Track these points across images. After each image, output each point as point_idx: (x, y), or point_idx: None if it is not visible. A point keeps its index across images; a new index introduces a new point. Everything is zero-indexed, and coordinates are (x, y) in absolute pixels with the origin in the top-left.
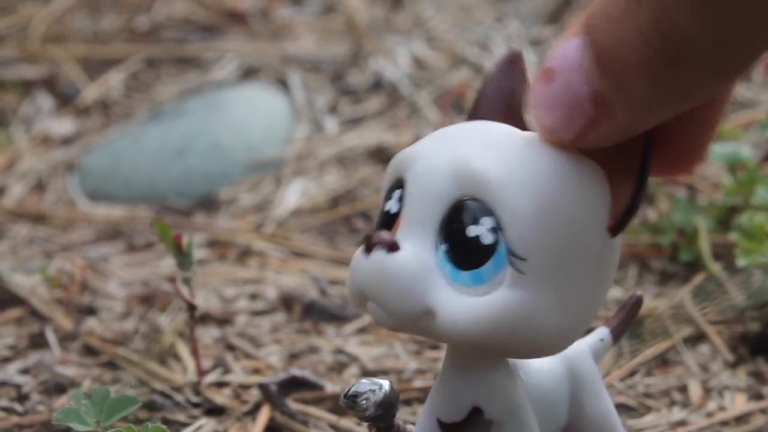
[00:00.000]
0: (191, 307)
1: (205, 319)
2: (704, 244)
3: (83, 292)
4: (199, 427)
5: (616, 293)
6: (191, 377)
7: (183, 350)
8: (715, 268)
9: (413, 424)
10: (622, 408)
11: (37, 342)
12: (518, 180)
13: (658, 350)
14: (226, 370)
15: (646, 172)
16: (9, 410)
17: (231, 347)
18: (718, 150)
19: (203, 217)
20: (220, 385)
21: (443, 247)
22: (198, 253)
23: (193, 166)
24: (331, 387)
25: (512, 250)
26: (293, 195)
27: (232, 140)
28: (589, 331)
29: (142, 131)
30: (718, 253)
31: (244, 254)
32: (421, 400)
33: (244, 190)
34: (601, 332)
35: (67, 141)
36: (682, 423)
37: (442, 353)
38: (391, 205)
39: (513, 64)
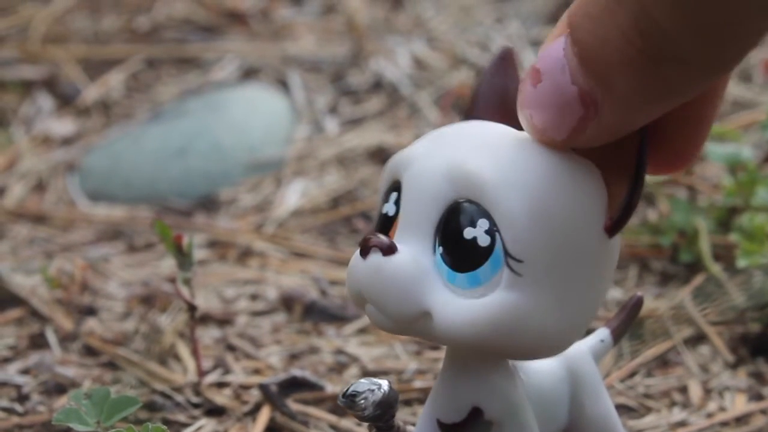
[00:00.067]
0: (191, 308)
1: (206, 319)
2: (704, 245)
3: (83, 293)
4: (200, 428)
5: (616, 294)
6: (191, 378)
7: (183, 351)
8: (716, 269)
9: (413, 424)
10: (622, 409)
11: (38, 342)
12: (512, 181)
13: (658, 351)
14: (227, 371)
15: (642, 171)
16: (9, 410)
17: (231, 348)
18: (718, 151)
19: (203, 218)
20: (221, 385)
21: (440, 250)
22: (198, 254)
23: (194, 167)
24: (331, 387)
25: (508, 252)
26: (293, 195)
27: (232, 141)
28: (590, 332)
29: (142, 131)
30: (719, 254)
31: (245, 255)
32: (421, 401)
33: (245, 191)
34: (602, 333)
35: (67, 141)
36: (682, 424)
37: (442, 354)
38: (388, 208)
39: (505, 61)
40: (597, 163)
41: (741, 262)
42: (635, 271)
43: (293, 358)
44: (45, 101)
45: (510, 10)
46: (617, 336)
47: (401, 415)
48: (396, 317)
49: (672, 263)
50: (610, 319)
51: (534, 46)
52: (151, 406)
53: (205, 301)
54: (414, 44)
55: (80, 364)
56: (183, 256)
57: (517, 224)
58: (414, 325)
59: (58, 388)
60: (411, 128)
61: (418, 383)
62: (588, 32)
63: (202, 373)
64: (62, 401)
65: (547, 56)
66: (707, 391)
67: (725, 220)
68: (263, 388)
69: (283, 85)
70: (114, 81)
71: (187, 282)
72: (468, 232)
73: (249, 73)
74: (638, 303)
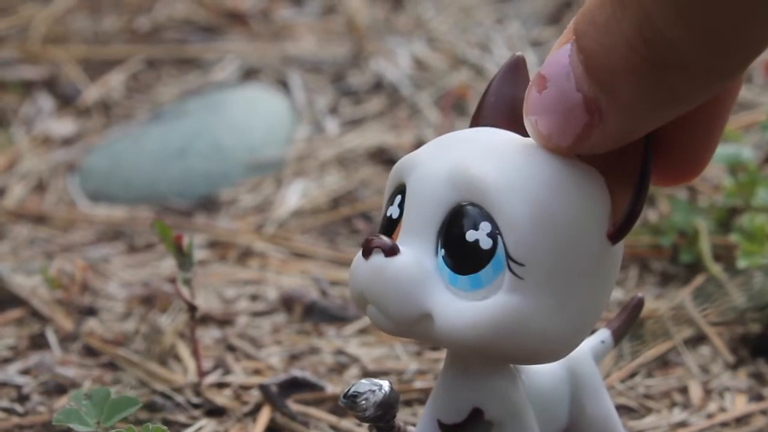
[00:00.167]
0: (192, 308)
1: (206, 319)
2: (705, 246)
3: (84, 293)
4: (200, 428)
5: (617, 295)
6: (192, 378)
7: (183, 351)
8: (716, 269)
9: (414, 425)
10: (622, 409)
11: (38, 343)
12: (516, 186)
13: (658, 351)
14: (227, 371)
15: (647, 178)
16: (9, 411)
17: (231, 348)
18: (718, 151)
19: (204, 218)
20: (221, 385)
21: (442, 252)
22: (198, 254)
23: (194, 167)
24: (331, 388)
25: (510, 255)
26: (294, 196)
27: (232, 141)
28: (591, 332)
29: (142, 132)
30: (719, 254)
31: (245, 255)
32: (421, 402)
33: (245, 191)
34: (602, 334)
35: (67, 142)
36: (682, 424)
37: (442, 354)
38: (392, 211)
39: (516, 69)
40: (601, 170)
41: (741, 263)
42: (636, 272)
43: (293, 358)
44: (45, 101)
45: (510, 11)
46: (618, 337)
47: (402, 415)
48: (397, 319)
49: (672, 264)
50: (611, 320)
51: (534, 46)
52: (151, 407)
53: (205, 302)
54: (414, 45)
55: (80, 365)
56: (183, 257)
57: (519, 228)
58: (415, 326)
59: (59, 388)
60: (411, 129)
61: (419, 384)
62: (593, 40)
63: (202, 374)
64: (62, 402)
65: (553, 63)
66: (707, 392)
67: (725, 220)
68: (263, 388)
69: (284, 85)
70: (114, 81)
71: (188, 282)
72: (470, 235)
73: (249, 74)
74: (639, 304)
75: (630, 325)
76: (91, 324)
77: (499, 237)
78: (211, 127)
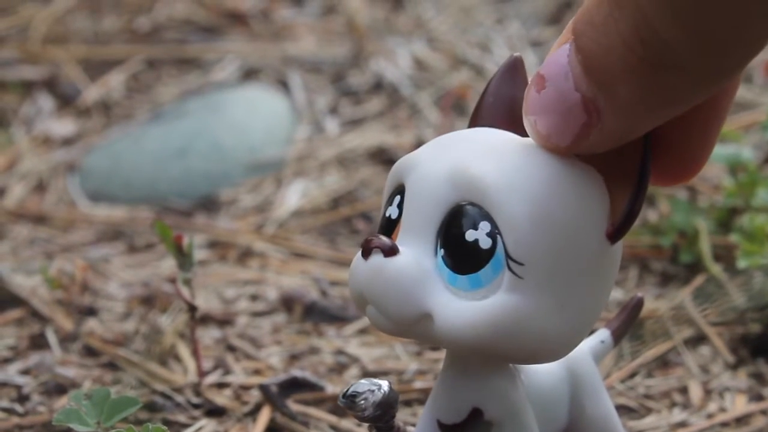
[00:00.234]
0: (192, 308)
1: (206, 320)
2: (705, 246)
3: (84, 293)
4: (200, 428)
5: (616, 295)
6: (192, 378)
7: (183, 351)
8: (716, 269)
9: (413, 425)
10: (622, 409)
11: (38, 343)
12: (515, 185)
13: (658, 352)
14: (227, 371)
15: (645, 178)
16: (9, 411)
17: (231, 348)
18: (718, 151)
19: (204, 218)
20: (221, 386)
21: (441, 252)
22: (199, 254)
23: (194, 167)
24: (331, 388)
25: (510, 255)
26: (294, 196)
27: (232, 141)
28: (591, 332)
29: (142, 132)
30: (719, 254)
31: (245, 255)
32: (421, 402)
33: (245, 191)
34: (602, 334)
35: (67, 142)
36: (682, 424)
37: (442, 354)
38: (392, 211)
39: (514, 70)
40: (600, 170)
41: (741, 263)
42: (635, 272)
43: (293, 358)
44: (45, 101)
45: (510, 11)
46: (618, 337)
47: (401, 415)
48: (396, 319)
49: (672, 264)
50: (611, 320)
51: (534, 47)
52: (151, 407)
53: (205, 302)
54: (414, 45)
55: (80, 365)
56: (183, 257)
57: (518, 227)
58: (414, 327)
59: (59, 388)
60: (411, 129)
61: (419, 384)
62: (591, 40)
63: (202, 374)
64: (62, 402)
65: (552, 63)
66: (707, 392)
67: (725, 220)
68: (263, 388)
69: (284, 85)
70: (114, 81)
71: (188, 282)
72: (470, 235)
73: (249, 74)
74: (639, 304)
75: (630, 325)
76: (91, 324)
77: (498, 237)
78: (211, 127)
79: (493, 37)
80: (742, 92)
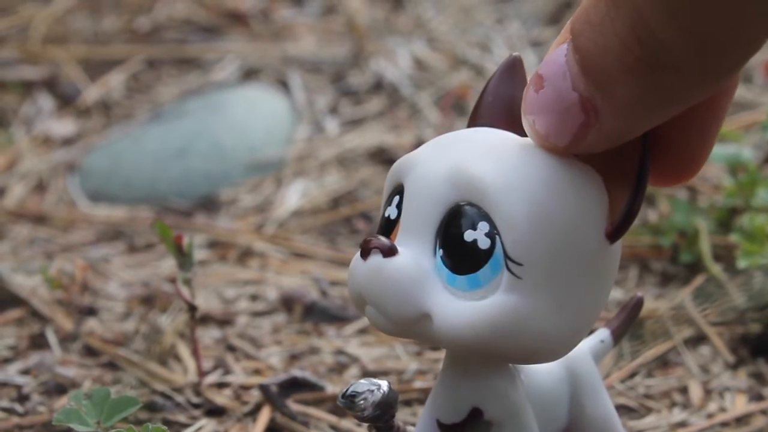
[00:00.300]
0: (192, 308)
1: (206, 319)
2: (705, 246)
3: (84, 293)
4: (200, 428)
5: (616, 294)
6: (192, 378)
7: (183, 351)
8: (716, 269)
9: (413, 425)
10: (622, 409)
11: (38, 342)
12: (514, 185)
13: (658, 351)
14: (227, 371)
15: (644, 178)
16: (9, 411)
17: (231, 348)
18: (718, 151)
19: (204, 218)
20: (221, 385)
21: (440, 252)
22: (199, 254)
23: (194, 167)
24: (331, 388)
25: (508, 255)
26: (294, 196)
27: (232, 141)
28: (590, 332)
29: (142, 132)
30: (719, 254)
31: (245, 255)
32: (421, 401)
33: (245, 191)
34: (602, 334)
35: (67, 142)
36: (682, 424)
37: (442, 354)
38: (390, 211)
39: (513, 69)
40: (599, 170)
41: (741, 263)
42: (635, 272)
43: (293, 358)
44: (45, 101)
45: (510, 11)
46: (617, 336)
47: (401, 415)
48: (396, 319)
49: (672, 264)
50: (611, 320)
51: (534, 47)
52: (151, 407)
53: (205, 302)
54: (414, 45)
55: (80, 365)
56: (183, 257)
57: (517, 227)
58: (413, 327)
59: (59, 388)
60: (411, 129)
61: (419, 384)
62: (588, 40)
63: (202, 374)
64: (62, 401)
65: (550, 62)
66: (707, 392)
67: (726, 220)
68: (263, 388)
69: (284, 85)
70: (114, 81)
71: (188, 282)
72: (468, 235)
73: (249, 74)
74: (638, 303)
75: (629, 324)
76: (91, 324)
77: (497, 237)
78: (211, 127)
79: (493, 37)
80: (742, 92)
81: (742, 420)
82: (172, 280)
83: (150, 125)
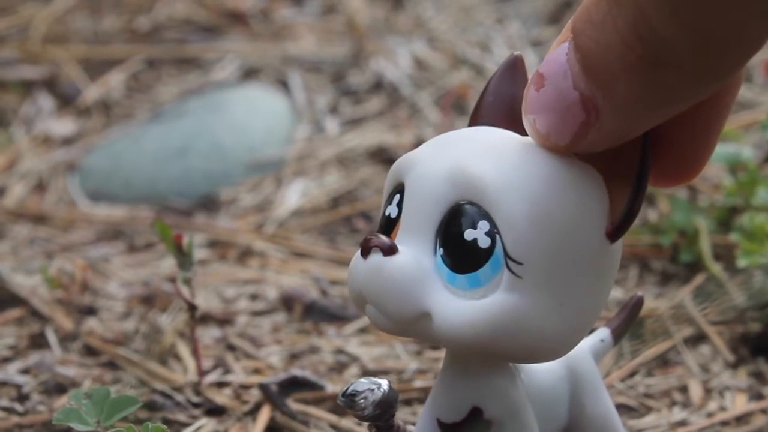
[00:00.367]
0: (192, 308)
1: (206, 319)
2: (705, 245)
3: (84, 293)
4: (200, 427)
5: (616, 294)
6: (192, 377)
7: (183, 350)
8: (716, 268)
9: (413, 424)
10: (622, 408)
11: (38, 342)
12: (514, 184)
13: (658, 351)
14: (227, 371)
15: (645, 177)
16: (9, 410)
17: (231, 347)
18: (718, 151)
19: (204, 218)
20: (221, 385)
21: (440, 251)
22: (198, 254)
23: (194, 167)
24: (331, 387)
25: (508, 254)
26: (294, 195)
27: (232, 141)
28: (590, 331)
29: (142, 132)
30: (719, 253)
31: (245, 254)
32: (421, 401)
33: (245, 191)
34: (602, 333)
35: (67, 141)
36: (682, 423)
37: (442, 354)
38: (391, 210)
39: (514, 69)
40: (599, 169)
41: (741, 262)
42: (635, 271)
43: (293, 357)
44: (45, 101)
45: (510, 11)
46: (617, 336)
47: (401, 414)
48: (396, 318)
49: (672, 263)
50: (611, 319)
51: (534, 46)
52: (151, 406)
53: (205, 301)
54: (414, 44)
55: (80, 364)
56: (183, 256)
57: (517, 227)
58: (413, 326)
59: (58, 387)
60: (411, 128)
61: (419, 383)
62: (590, 38)
63: (202, 373)
64: (62, 401)
65: (551, 61)
66: (707, 391)
67: (726, 219)
68: (263, 387)
69: (284, 85)
70: (114, 81)
71: (188, 282)
72: (468, 234)
73: (249, 74)
74: (638, 303)
75: (629, 324)
76: (91, 323)
77: (497, 236)
78: (211, 126)
79: (493, 36)
80: (742, 91)
81: (742, 419)
82: (172, 280)
83: (150, 125)
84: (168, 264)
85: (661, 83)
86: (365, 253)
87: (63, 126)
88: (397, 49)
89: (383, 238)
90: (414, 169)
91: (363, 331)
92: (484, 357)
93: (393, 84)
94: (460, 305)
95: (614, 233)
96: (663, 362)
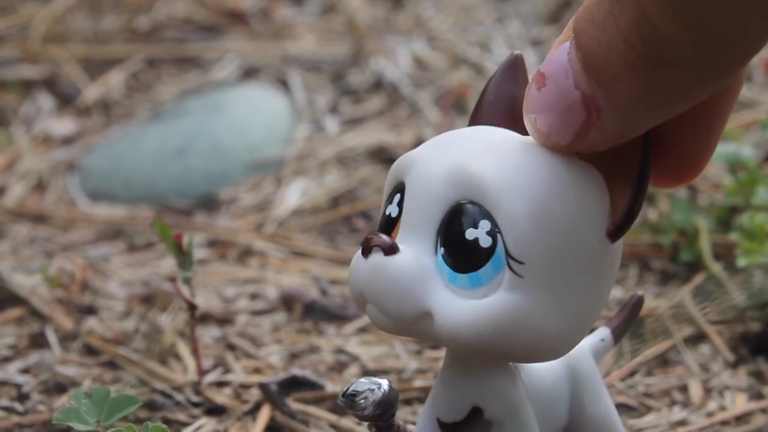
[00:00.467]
0: (192, 307)
1: (206, 318)
2: (705, 244)
3: (84, 292)
4: (200, 427)
5: (616, 293)
6: (192, 377)
7: (183, 350)
8: (716, 268)
9: (413, 423)
10: (622, 408)
11: (38, 342)
12: (515, 184)
13: (658, 350)
14: (227, 370)
15: (645, 177)
16: (9, 410)
17: (231, 347)
18: (718, 150)
19: (204, 217)
20: (221, 384)
21: (441, 250)
22: (198, 253)
23: (194, 166)
24: (331, 387)
25: (510, 253)
26: (294, 195)
27: (232, 140)
28: (591, 331)
29: (142, 131)
30: (719, 253)
31: (245, 254)
32: (421, 400)
33: (245, 190)
34: (602, 332)
35: (67, 141)
36: (682, 423)
37: (442, 353)
38: (391, 209)
39: (514, 68)
40: (600, 168)
41: (741, 262)
42: (635, 271)
43: (293, 357)
44: (45, 101)
45: (510, 10)
46: (618, 335)
47: (401, 414)
48: (397, 317)
49: (672, 262)
50: (611, 319)
51: (534, 46)
52: (151, 406)
53: (205, 301)
54: (414, 44)
55: (80, 364)
56: (183, 256)
57: (518, 226)
58: (414, 325)
59: (58, 387)
60: (411, 128)
61: (419, 382)
62: (591, 37)
63: (202, 373)
64: (62, 400)
65: (553, 60)
66: (707, 390)
67: (725, 219)
68: (263, 387)
69: (284, 84)
70: (114, 81)
71: (188, 281)
72: (470, 233)
73: (249, 73)
74: (639, 302)
75: (630, 323)
76: (91, 323)
77: (498, 235)
78: (211, 126)
79: (493, 36)
80: (742, 91)
81: (742, 418)
82: (172, 279)
83: (150, 124)
84: (168, 264)
85: (662, 82)
86: (366, 252)
87: (63, 126)
88: (397, 48)
89: (384, 237)
90: (415, 168)
91: (363, 330)
92: (484, 356)
93: (393, 83)
94: (461, 305)
95: (615, 233)
96: (663, 362)
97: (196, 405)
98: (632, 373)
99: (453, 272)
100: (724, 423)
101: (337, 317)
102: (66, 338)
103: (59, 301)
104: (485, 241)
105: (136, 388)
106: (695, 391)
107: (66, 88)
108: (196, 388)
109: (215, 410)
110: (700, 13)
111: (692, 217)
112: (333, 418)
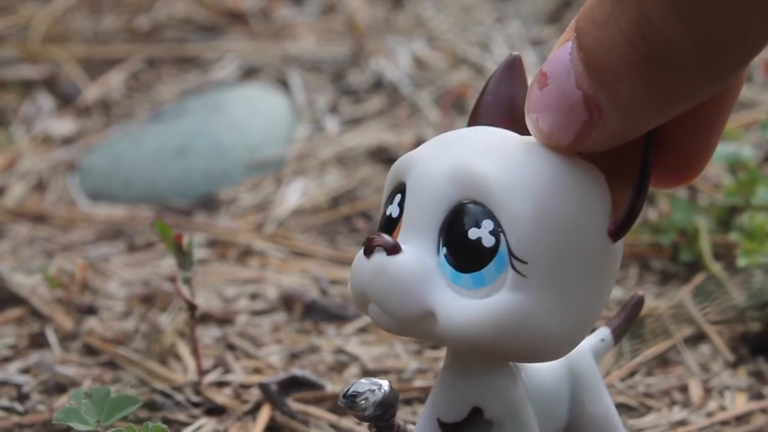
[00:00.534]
0: (192, 307)
1: (206, 318)
2: (705, 245)
3: (84, 292)
4: (200, 427)
5: (617, 293)
6: (192, 377)
7: (183, 350)
8: (716, 268)
9: (414, 424)
10: (622, 408)
11: (38, 342)
12: (517, 183)
13: (658, 350)
14: (227, 370)
15: (647, 177)
16: (9, 410)
17: (231, 347)
18: (718, 150)
19: (204, 217)
20: (221, 384)
21: (444, 250)
22: (198, 253)
23: (194, 166)
24: (331, 387)
25: (513, 253)
26: (294, 195)
27: (232, 140)
28: (591, 331)
29: (142, 131)
30: (719, 253)
31: (245, 254)
32: (421, 400)
33: (245, 190)
34: (602, 332)
35: (67, 141)
36: (682, 423)
37: (442, 353)
38: (392, 209)
39: (513, 68)
40: (602, 168)
41: (741, 262)
42: (636, 271)
43: (293, 357)
44: (45, 101)
45: (510, 10)
46: (618, 335)
47: (402, 414)
48: (399, 317)
49: (672, 262)
50: (611, 319)
51: (534, 46)
52: (151, 406)
53: (205, 301)
54: (414, 44)
55: (80, 364)
56: (183, 256)
57: (521, 225)
58: (417, 325)
59: (58, 387)
60: (411, 128)
61: (419, 382)
62: (593, 37)
63: (202, 373)
64: (62, 400)
65: (555, 60)
66: (707, 390)
67: (725, 219)
68: (263, 387)
69: (284, 84)
70: (114, 81)
71: (188, 281)
72: (473, 233)
73: (249, 73)
74: (639, 302)
75: (630, 323)
76: (91, 323)
77: (501, 234)
78: (211, 126)
79: (493, 36)
80: (742, 91)
81: (742, 418)
82: (172, 279)
83: (150, 124)
84: (168, 264)
85: (663, 83)
86: (368, 252)
87: (63, 126)
88: (397, 48)
89: (386, 237)
90: (415, 168)
91: (363, 330)
92: (485, 356)
93: (393, 83)
94: (464, 304)
95: (616, 232)
96: (663, 362)
97: (196, 405)
98: (632, 373)
99: (456, 272)
100: (724, 423)
101: (337, 317)
102: (66, 338)
103: (59, 301)
104: (488, 241)
105: (136, 388)
106: (695, 391)
107: (66, 88)
108: (196, 388)
109: (215, 410)
110: (701, 14)
111: (692, 217)
112: (333, 418)
